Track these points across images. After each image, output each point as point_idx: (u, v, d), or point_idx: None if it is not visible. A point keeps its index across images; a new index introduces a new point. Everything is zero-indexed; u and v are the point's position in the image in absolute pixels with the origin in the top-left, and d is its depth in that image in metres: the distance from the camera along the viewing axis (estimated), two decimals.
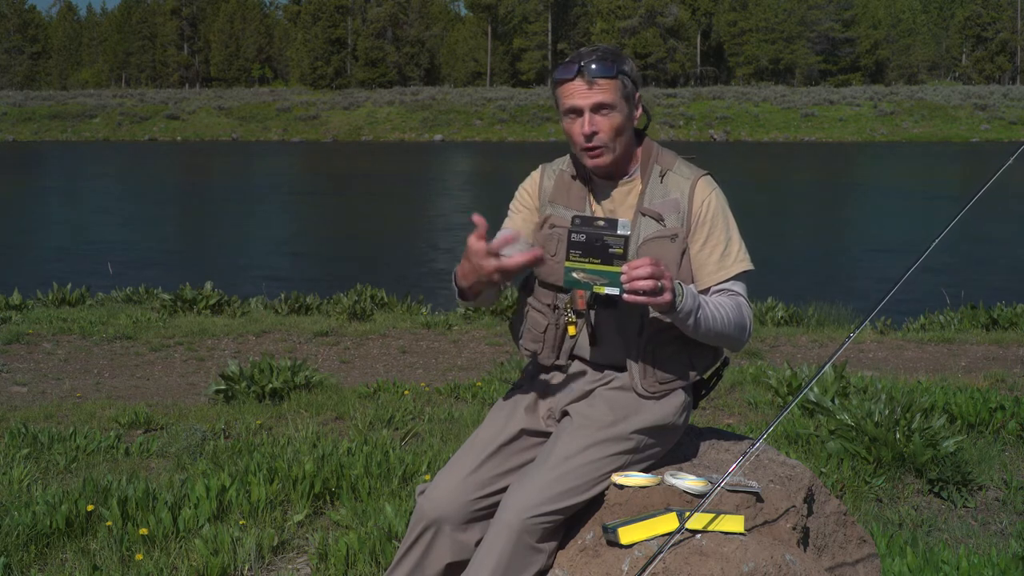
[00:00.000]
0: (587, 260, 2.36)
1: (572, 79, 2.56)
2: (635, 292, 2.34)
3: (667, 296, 2.36)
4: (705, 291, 2.62)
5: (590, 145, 2.58)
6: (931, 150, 51.43)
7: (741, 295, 2.63)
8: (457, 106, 68.05)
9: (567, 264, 2.37)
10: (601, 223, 2.36)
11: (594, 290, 2.37)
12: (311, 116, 68.15)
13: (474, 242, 2.39)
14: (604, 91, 2.55)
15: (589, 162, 2.62)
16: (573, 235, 2.36)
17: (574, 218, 2.39)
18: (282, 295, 11.38)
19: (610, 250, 2.35)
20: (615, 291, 2.36)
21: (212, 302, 10.80)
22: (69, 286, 11.55)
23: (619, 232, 2.35)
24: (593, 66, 2.54)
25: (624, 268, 2.34)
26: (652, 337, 2.61)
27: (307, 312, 10.93)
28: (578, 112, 2.57)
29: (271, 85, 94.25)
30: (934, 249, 2.55)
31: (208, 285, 11.27)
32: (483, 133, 64.54)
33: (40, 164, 45.71)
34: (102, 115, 69.25)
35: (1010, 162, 2.63)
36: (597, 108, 2.56)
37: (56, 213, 27.01)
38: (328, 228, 24.93)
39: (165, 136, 66.04)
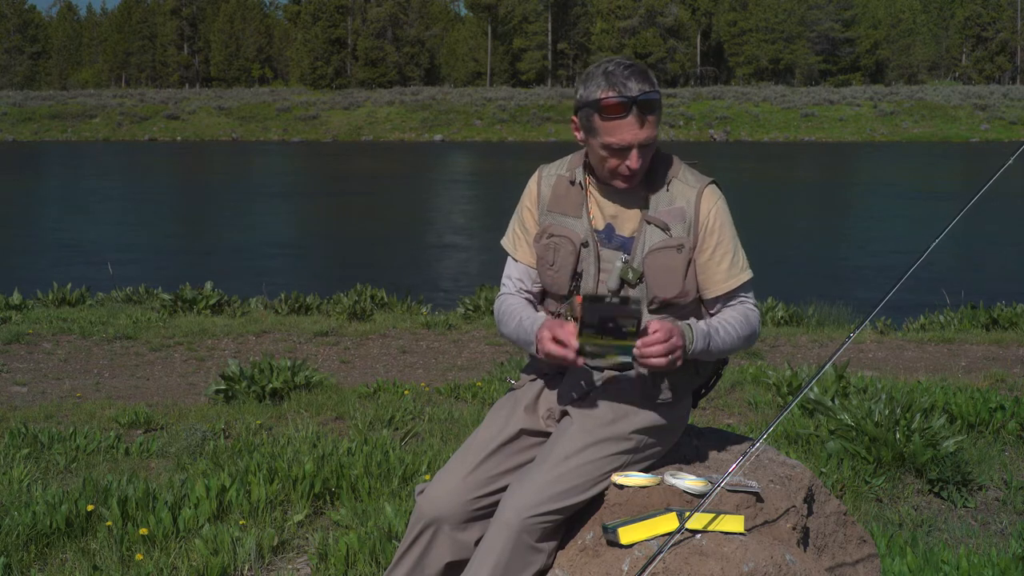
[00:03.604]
0: (599, 336, 2.38)
1: (625, 115, 2.47)
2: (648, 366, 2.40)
3: (679, 364, 2.43)
4: (715, 300, 2.64)
5: (630, 175, 2.56)
6: (931, 150, 51.42)
7: (749, 301, 2.66)
8: (457, 106, 68.02)
9: (580, 339, 2.39)
10: (612, 300, 2.36)
11: (607, 358, 2.40)
12: (311, 116, 68.11)
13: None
14: (651, 126, 2.49)
15: (618, 185, 2.59)
16: (586, 316, 2.36)
17: (585, 297, 2.37)
18: (282, 295, 11.37)
19: (623, 330, 2.36)
20: (627, 359, 2.40)
21: (212, 302, 10.80)
22: (69, 286, 11.54)
23: (632, 313, 2.35)
24: (645, 102, 2.46)
25: (638, 345, 2.37)
26: None
27: (307, 312, 10.93)
28: (626, 148, 2.50)
29: (271, 85, 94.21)
30: (934, 249, 2.55)
31: (208, 285, 11.26)
32: (483, 133, 64.52)
33: (40, 164, 45.71)
34: (102, 115, 69.20)
35: (1010, 162, 2.63)
36: (644, 144, 2.51)
37: (56, 213, 27.01)
38: (328, 228, 24.94)
39: (165, 136, 66.01)
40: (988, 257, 18.62)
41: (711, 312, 2.68)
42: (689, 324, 2.50)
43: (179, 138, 65.56)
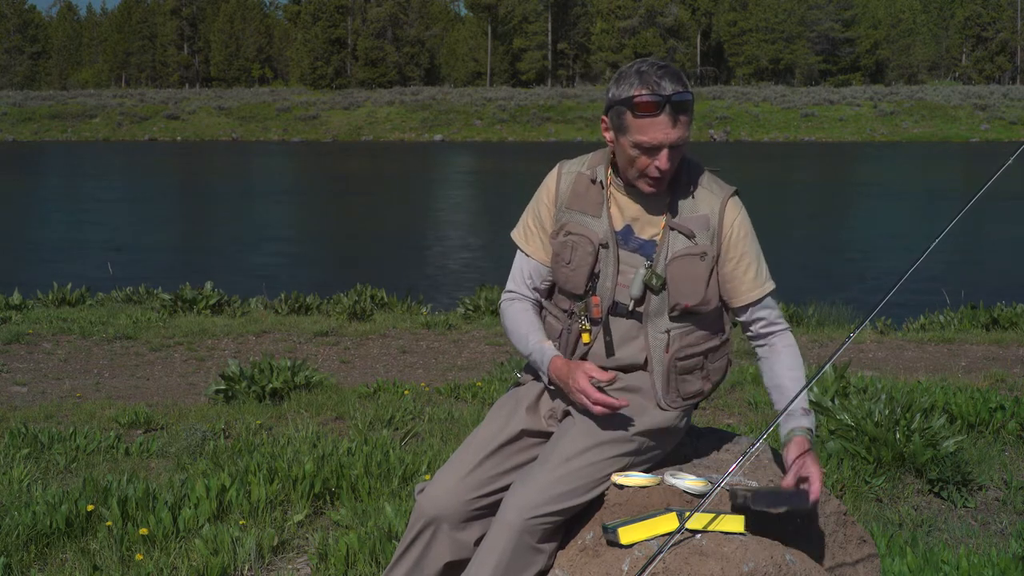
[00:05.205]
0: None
1: (657, 114, 2.45)
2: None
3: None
4: (743, 308, 2.65)
5: (659, 177, 2.54)
6: (931, 150, 51.41)
7: (782, 322, 2.69)
8: (457, 106, 67.98)
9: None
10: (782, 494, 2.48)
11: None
12: (311, 116, 68.08)
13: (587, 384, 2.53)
14: (683, 127, 2.48)
15: (645, 189, 2.57)
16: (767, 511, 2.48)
17: (758, 499, 2.46)
18: (282, 295, 11.37)
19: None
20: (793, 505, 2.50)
21: (212, 302, 10.80)
22: (69, 286, 11.54)
23: (803, 506, 2.47)
24: (680, 101, 2.45)
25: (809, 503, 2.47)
26: (679, 352, 2.62)
27: (307, 312, 10.93)
28: (657, 147, 2.49)
29: (271, 85, 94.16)
30: (934, 249, 2.55)
31: (208, 285, 11.26)
32: (483, 133, 64.49)
33: (40, 164, 45.70)
34: (102, 115, 69.16)
35: (1010, 162, 2.63)
36: (675, 145, 2.50)
37: (56, 213, 27.00)
38: (328, 228, 24.93)
39: (165, 136, 65.99)
40: (988, 257, 18.61)
41: (739, 319, 2.69)
42: (808, 428, 2.56)
43: (179, 138, 65.55)
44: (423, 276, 16.82)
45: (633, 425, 2.58)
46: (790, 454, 2.52)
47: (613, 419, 2.56)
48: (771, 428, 2.53)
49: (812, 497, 2.45)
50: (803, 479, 2.48)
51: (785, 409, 2.55)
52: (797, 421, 2.56)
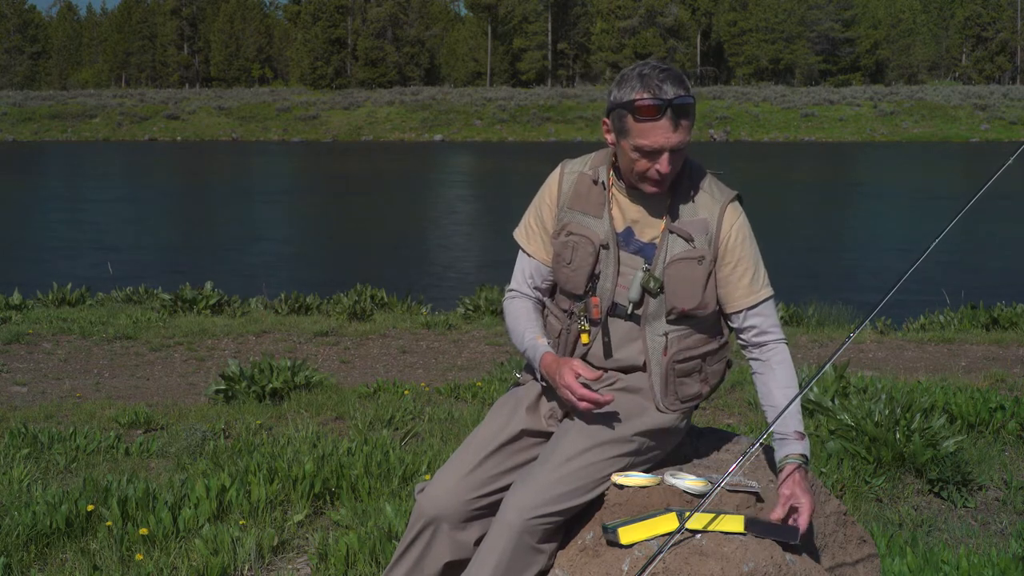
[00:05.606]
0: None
1: (659, 118, 2.43)
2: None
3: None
4: (738, 313, 2.62)
5: (659, 179, 2.53)
6: (931, 150, 51.41)
7: (777, 330, 2.64)
8: (457, 106, 67.98)
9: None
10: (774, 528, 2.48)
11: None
12: (311, 116, 68.07)
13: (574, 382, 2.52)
14: (684, 131, 2.46)
15: (647, 189, 2.56)
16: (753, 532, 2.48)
17: (747, 528, 2.45)
18: (282, 295, 11.37)
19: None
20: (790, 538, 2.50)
21: (212, 302, 10.80)
22: (69, 286, 11.54)
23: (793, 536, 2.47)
24: (681, 105, 2.43)
25: (798, 538, 2.46)
26: (677, 354, 2.61)
27: (307, 312, 10.93)
28: (657, 151, 2.47)
29: (271, 85, 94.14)
30: (934, 249, 2.55)
31: (208, 285, 11.26)
32: (483, 133, 64.48)
33: (40, 164, 45.69)
34: (102, 115, 69.14)
35: (1010, 162, 2.63)
36: (676, 149, 2.48)
37: (56, 213, 26.99)
38: (328, 228, 24.93)
39: (165, 136, 65.97)
40: (988, 257, 18.61)
41: (732, 325, 2.67)
42: (802, 455, 2.53)
43: (179, 138, 65.54)
44: (423, 276, 16.82)
45: (633, 425, 2.58)
46: (781, 483, 2.52)
47: (613, 419, 2.56)
48: (771, 428, 2.53)
49: (800, 531, 2.45)
50: (794, 509, 2.48)
51: (775, 421, 2.54)
52: (791, 447, 2.54)
